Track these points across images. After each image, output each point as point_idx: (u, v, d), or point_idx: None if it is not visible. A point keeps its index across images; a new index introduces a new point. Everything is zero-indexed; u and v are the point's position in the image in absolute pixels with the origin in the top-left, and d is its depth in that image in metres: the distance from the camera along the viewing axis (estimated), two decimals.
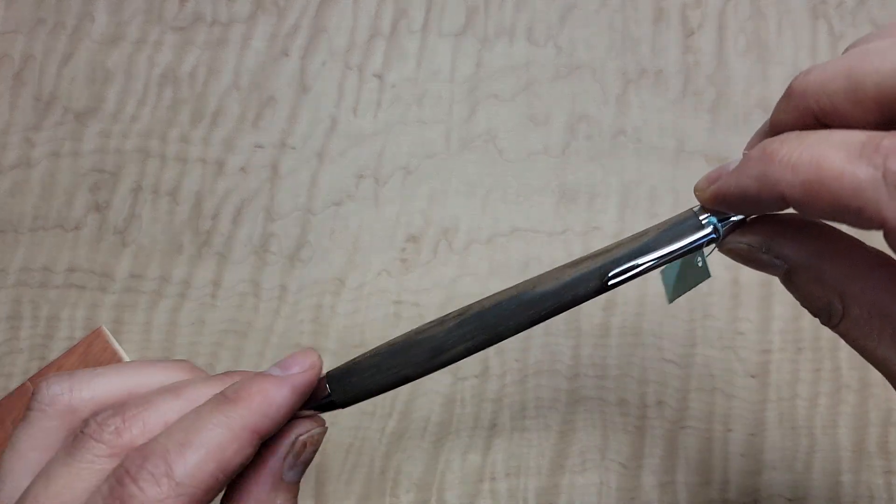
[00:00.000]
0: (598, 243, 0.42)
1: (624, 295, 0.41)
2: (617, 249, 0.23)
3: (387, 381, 0.23)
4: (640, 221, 0.42)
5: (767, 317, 0.41)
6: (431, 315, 0.41)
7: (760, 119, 0.43)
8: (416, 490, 0.39)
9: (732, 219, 0.22)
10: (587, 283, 0.22)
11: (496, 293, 0.23)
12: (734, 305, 0.41)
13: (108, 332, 0.41)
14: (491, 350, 0.41)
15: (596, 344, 0.40)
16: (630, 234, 0.23)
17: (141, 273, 0.42)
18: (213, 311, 0.41)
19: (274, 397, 0.21)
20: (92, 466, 0.20)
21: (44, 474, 0.20)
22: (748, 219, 0.22)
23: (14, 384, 0.41)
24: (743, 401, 0.40)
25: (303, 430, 0.22)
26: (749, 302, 0.41)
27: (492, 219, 0.42)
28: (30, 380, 0.40)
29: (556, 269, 0.23)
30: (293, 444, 0.21)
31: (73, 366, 0.40)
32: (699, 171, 0.43)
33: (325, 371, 0.24)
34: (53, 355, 0.41)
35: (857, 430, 0.39)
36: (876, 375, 0.40)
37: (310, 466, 0.39)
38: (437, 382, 0.40)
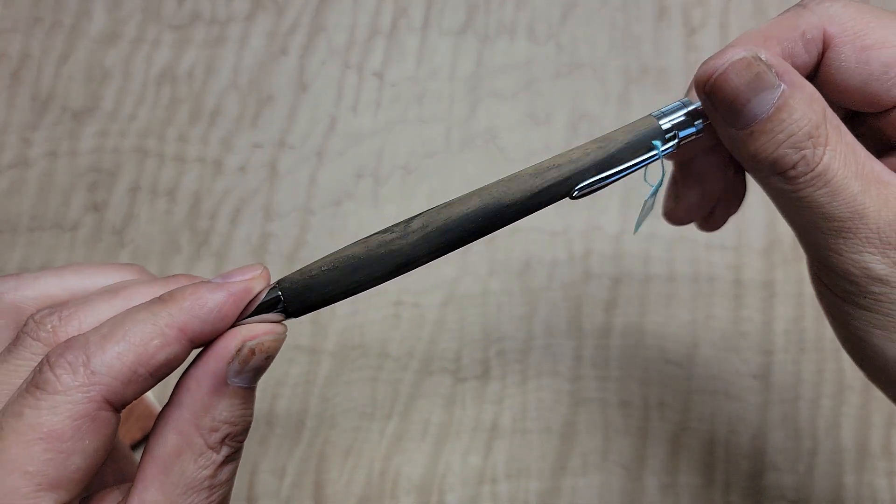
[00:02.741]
0: (599, 243, 0.41)
1: (626, 295, 0.41)
2: (582, 160, 0.23)
3: (344, 292, 0.23)
4: None
5: (770, 318, 0.40)
6: (432, 316, 0.41)
7: None
8: (416, 492, 0.39)
9: (691, 129, 0.23)
10: (553, 193, 0.23)
11: (459, 201, 0.23)
12: (737, 306, 0.41)
13: None
14: (491, 351, 0.40)
15: (597, 345, 0.40)
16: (593, 139, 0.23)
17: None
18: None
19: (206, 299, 0.21)
20: (28, 364, 0.20)
21: None
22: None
23: None
24: (745, 402, 0.39)
25: (251, 335, 0.21)
26: (752, 303, 0.41)
27: None
28: None
29: (519, 176, 0.23)
30: (240, 349, 0.21)
31: None
32: None
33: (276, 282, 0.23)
34: None
35: (860, 432, 0.39)
36: None
37: (310, 466, 0.39)
38: (437, 384, 0.40)
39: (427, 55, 0.44)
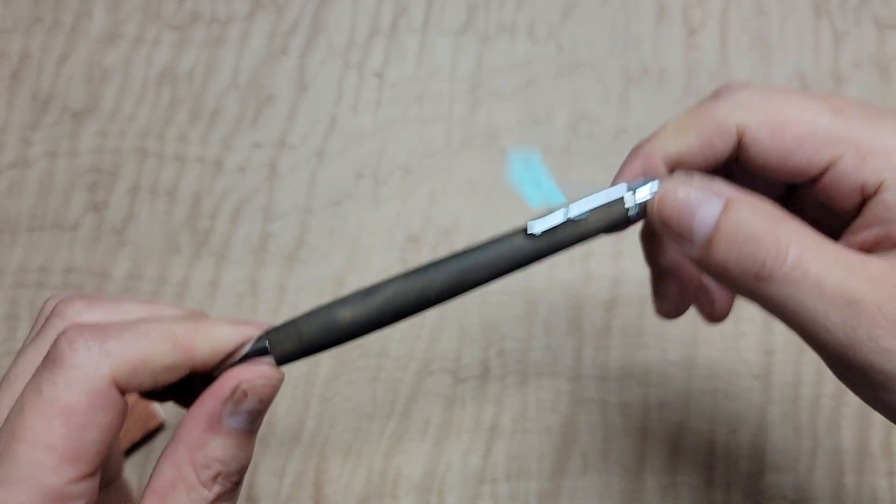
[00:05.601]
0: (599, 243, 0.41)
1: (626, 295, 0.41)
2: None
3: (328, 347, 0.24)
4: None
5: (770, 318, 0.40)
6: (432, 316, 0.41)
7: None
8: (416, 492, 0.39)
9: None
10: (512, 239, 0.23)
11: (429, 272, 0.24)
12: (736, 306, 0.41)
13: None
14: (492, 351, 0.40)
15: (597, 345, 0.40)
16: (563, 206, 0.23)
17: (139, 273, 0.41)
18: (212, 312, 0.41)
19: (224, 332, 0.22)
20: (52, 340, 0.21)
21: (19, 354, 0.22)
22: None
23: None
24: (745, 402, 0.39)
25: (247, 378, 0.22)
26: (751, 303, 0.41)
27: (493, 218, 0.42)
28: None
29: (511, 240, 0.24)
30: (234, 389, 0.22)
31: None
32: None
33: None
34: None
35: (860, 432, 0.39)
36: None
37: (309, 466, 0.39)
38: (437, 384, 0.40)
39: (427, 55, 0.44)
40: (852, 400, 0.39)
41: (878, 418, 0.39)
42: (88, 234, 0.42)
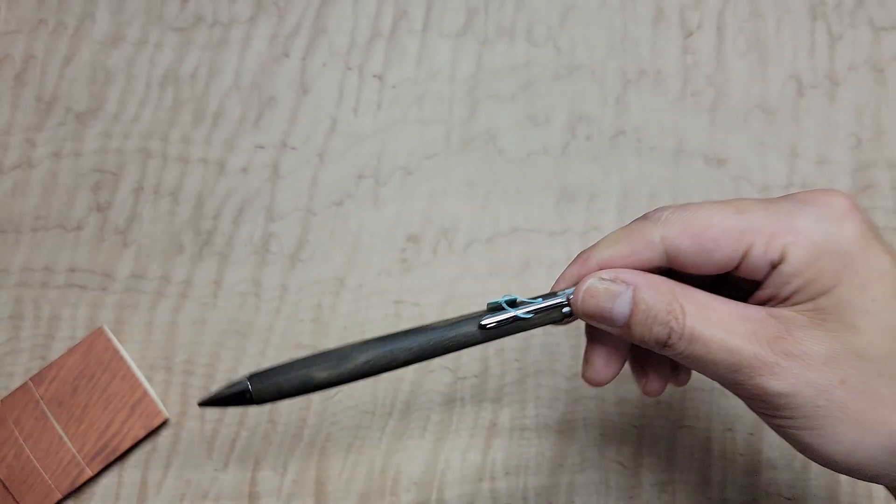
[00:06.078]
0: None
1: None
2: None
3: (301, 394, 0.28)
4: None
5: None
6: (431, 315, 0.41)
7: (759, 119, 0.43)
8: (416, 489, 0.39)
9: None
10: (467, 326, 0.28)
11: (400, 340, 0.28)
12: None
13: (109, 332, 0.41)
14: (490, 349, 0.41)
15: None
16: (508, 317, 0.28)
17: (142, 273, 0.42)
18: (214, 311, 0.41)
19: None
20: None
21: None
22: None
23: (15, 384, 0.41)
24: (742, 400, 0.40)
25: None
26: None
27: (492, 219, 0.42)
28: (30, 379, 0.40)
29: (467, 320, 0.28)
30: None
31: (73, 365, 0.40)
32: (699, 170, 0.43)
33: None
34: (54, 355, 0.41)
35: None
36: None
37: (311, 463, 0.39)
38: (436, 382, 0.40)
39: (427, 57, 0.45)
40: None
41: None
42: (92, 234, 0.42)
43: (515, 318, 0.28)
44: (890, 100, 0.44)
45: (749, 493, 0.39)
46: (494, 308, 0.28)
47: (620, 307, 0.27)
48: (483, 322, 0.28)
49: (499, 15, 0.45)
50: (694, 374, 0.40)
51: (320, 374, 0.28)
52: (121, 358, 0.40)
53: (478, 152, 0.43)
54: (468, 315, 0.28)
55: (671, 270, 0.27)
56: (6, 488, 0.39)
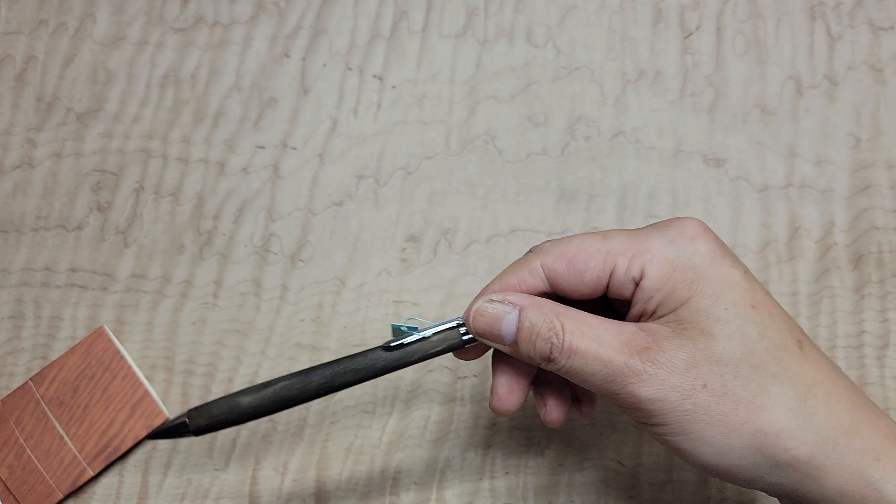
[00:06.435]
0: None
1: None
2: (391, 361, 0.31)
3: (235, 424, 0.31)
4: (639, 221, 0.42)
5: None
6: (431, 314, 0.41)
7: (758, 119, 0.44)
8: (416, 489, 0.39)
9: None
10: (374, 352, 0.31)
11: (311, 374, 0.31)
12: None
13: (109, 332, 0.41)
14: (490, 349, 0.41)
15: None
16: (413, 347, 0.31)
17: (143, 273, 0.42)
18: (215, 311, 0.41)
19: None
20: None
21: None
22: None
23: (16, 383, 0.41)
24: None
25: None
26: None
27: (491, 219, 0.43)
28: (31, 379, 0.40)
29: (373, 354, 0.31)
30: None
31: (74, 365, 0.40)
32: (698, 171, 0.43)
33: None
34: (55, 354, 0.41)
35: None
36: (873, 374, 0.40)
37: (311, 462, 0.39)
38: (436, 381, 0.41)
39: (427, 58, 0.45)
40: None
41: None
42: (93, 234, 0.43)
43: (417, 339, 0.30)
44: (889, 100, 0.44)
45: (748, 493, 0.39)
46: (396, 331, 0.31)
47: (508, 326, 0.29)
48: (384, 344, 0.31)
49: (498, 16, 0.45)
50: None
51: (245, 399, 0.30)
52: (122, 358, 0.40)
53: (477, 153, 0.43)
54: (379, 346, 0.31)
55: (557, 297, 0.30)
56: (7, 489, 0.39)
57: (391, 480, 0.39)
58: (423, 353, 0.31)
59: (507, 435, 0.40)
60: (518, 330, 0.29)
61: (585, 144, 0.43)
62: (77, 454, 0.39)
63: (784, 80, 0.44)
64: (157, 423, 0.39)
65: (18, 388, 0.40)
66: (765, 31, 0.45)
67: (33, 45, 0.45)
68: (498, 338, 0.30)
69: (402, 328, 0.31)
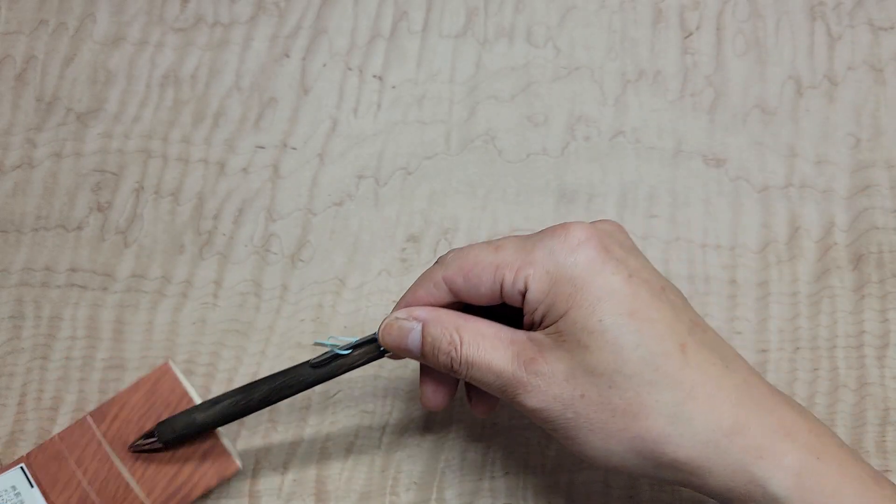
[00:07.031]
0: None
1: None
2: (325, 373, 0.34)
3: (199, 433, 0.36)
4: (639, 222, 0.42)
5: (765, 317, 0.41)
6: None
7: (758, 119, 0.44)
8: (416, 488, 0.39)
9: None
10: (301, 368, 0.34)
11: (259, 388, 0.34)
12: (732, 305, 0.41)
13: (175, 368, 0.38)
14: None
15: None
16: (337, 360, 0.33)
17: (142, 273, 0.42)
18: (215, 311, 0.41)
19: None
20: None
21: None
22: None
23: (16, 383, 0.41)
24: None
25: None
26: (746, 302, 0.41)
27: (491, 219, 0.43)
28: (90, 415, 0.37)
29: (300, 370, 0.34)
30: None
31: (138, 402, 0.37)
32: (697, 171, 0.43)
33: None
34: (55, 354, 0.41)
35: (854, 430, 0.40)
36: (873, 374, 0.40)
37: (311, 462, 0.39)
38: None
39: (427, 58, 0.45)
40: (847, 398, 0.40)
41: (872, 416, 0.40)
42: (93, 234, 0.43)
43: (336, 355, 0.33)
44: (889, 100, 0.44)
45: None
46: (320, 347, 0.33)
47: (413, 341, 0.31)
48: (311, 361, 0.33)
49: (498, 16, 0.45)
50: None
51: (199, 416, 0.34)
52: (190, 400, 0.37)
53: (477, 153, 0.43)
54: (301, 363, 0.34)
55: (467, 304, 0.32)
56: None
57: (391, 480, 0.39)
58: (348, 365, 0.33)
59: (507, 435, 0.40)
60: (422, 344, 0.31)
61: (585, 144, 0.43)
62: (144, 501, 0.36)
63: (784, 80, 0.44)
64: (230, 472, 0.36)
65: (76, 424, 0.37)
66: (765, 31, 0.45)
67: (33, 45, 0.45)
68: (408, 352, 0.31)
69: (325, 344, 0.33)
